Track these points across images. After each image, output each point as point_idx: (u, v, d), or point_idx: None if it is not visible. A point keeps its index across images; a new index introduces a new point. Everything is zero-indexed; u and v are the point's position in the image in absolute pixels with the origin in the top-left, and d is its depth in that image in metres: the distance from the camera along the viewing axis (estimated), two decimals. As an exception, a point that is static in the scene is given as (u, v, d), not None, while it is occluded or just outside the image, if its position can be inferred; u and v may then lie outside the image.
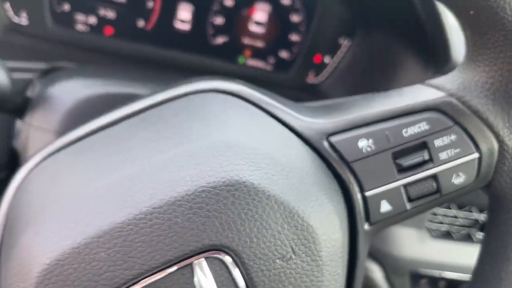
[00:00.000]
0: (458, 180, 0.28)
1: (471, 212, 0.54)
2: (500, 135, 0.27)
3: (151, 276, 0.23)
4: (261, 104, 0.29)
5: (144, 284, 0.23)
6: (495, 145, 0.28)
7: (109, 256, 0.22)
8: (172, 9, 0.57)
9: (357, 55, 0.62)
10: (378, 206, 0.28)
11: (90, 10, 0.56)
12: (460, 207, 0.54)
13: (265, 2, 0.58)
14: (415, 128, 0.28)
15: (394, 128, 0.28)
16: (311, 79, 0.65)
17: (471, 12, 0.25)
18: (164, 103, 0.29)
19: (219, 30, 0.59)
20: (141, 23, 0.57)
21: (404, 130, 0.28)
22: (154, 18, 0.57)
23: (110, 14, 0.56)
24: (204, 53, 0.61)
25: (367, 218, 0.29)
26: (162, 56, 0.60)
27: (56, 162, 0.27)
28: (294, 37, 0.61)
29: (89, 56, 0.57)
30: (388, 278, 0.55)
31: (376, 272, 0.54)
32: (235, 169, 0.24)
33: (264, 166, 0.25)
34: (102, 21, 0.57)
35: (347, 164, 0.28)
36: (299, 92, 0.65)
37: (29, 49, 0.55)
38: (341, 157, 0.28)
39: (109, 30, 0.57)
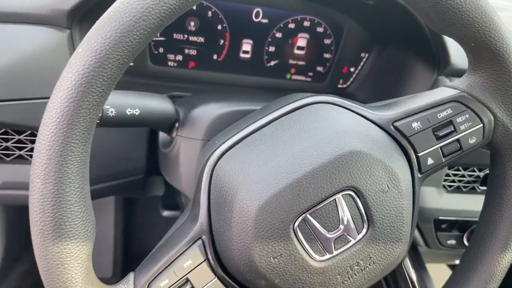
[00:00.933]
0: (472, 141, 0.48)
1: (474, 171, 0.73)
2: (494, 112, 0.47)
3: (316, 206, 0.41)
4: (351, 108, 0.48)
5: (312, 211, 0.41)
6: (492, 118, 0.47)
7: (293, 197, 0.41)
8: (237, 45, 0.76)
9: (374, 65, 0.82)
10: (426, 161, 0.48)
11: (178, 50, 0.74)
12: (465, 169, 0.74)
13: (305, 32, 0.77)
14: (444, 113, 0.47)
15: (432, 114, 0.47)
16: (340, 85, 0.84)
17: (472, 44, 0.44)
18: (294, 111, 0.47)
19: (271, 56, 0.78)
20: (215, 56, 0.76)
21: (438, 115, 0.47)
22: (224, 52, 0.76)
23: (192, 52, 0.75)
24: (261, 74, 0.80)
25: (419, 169, 0.48)
26: (230, 79, 0.79)
27: (239, 150, 0.45)
28: (327, 55, 0.81)
29: (176, 84, 0.76)
30: (417, 225, 0.74)
31: (410, 222, 0.74)
32: (354, 144, 0.43)
33: (367, 141, 0.44)
34: (187, 57, 0.75)
35: (406, 138, 0.47)
36: (331, 96, 0.85)
37: (133, 84, 0.73)
38: (402, 134, 0.47)
39: (191, 64, 0.76)
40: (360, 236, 0.43)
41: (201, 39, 0.74)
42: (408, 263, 0.53)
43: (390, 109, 0.48)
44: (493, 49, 0.44)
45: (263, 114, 0.49)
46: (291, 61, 0.80)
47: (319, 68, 0.82)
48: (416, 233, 0.76)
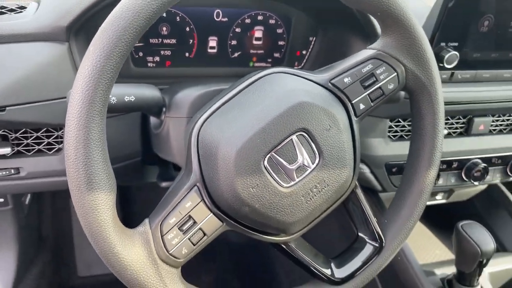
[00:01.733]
0: (391, 86, 0.63)
1: (411, 120, 0.89)
2: (403, 63, 0.62)
3: (278, 146, 0.56)
4: (297, 74, 0.62)
5: (276, 150, 0.55)
6: (403, 68, 0.62)
7: (261, 141, 0.55)
8: (205, 42, 0.90)
9: (322, 46, 0.97)
10: (359, 106, 0.62)
11: (155, 52, 0.88)
12: (404, 119, 0.89)
13: (260, 25, 0.92)
14: (367, 68, 0.62)
15: (358, 70, 0.62)
16: (296, 66, 0.99)
17: (379, 14, 0.60)
18: (254, 82, 0.61)
19: (234, 48, 0.93)
20: (187, 54, 0.90)
21: (362, 70, 0.62)
22: (194, 49, 0.90)
23: (167, 52, 0.89)
24: (227, 65, 0.94)
25: (355, 114, 0.63)
26: (202, 72, 0.93)
27: (216, 117, 0.58)
28: (281, 43, 0.95)
29: (157, 81, 0.89)
30: (372, 171, 0.89)
31: (365, 169, 0.89)
32: (301, 98, 0.57)
33: (311, 95, 0.58)
34: (163, 57, 0.89)
35: (341, 90, 0.62)
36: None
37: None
38: (338, 88, 0.61)
39: (168, 63, 0.90)
40: (314, 165, 0.58)
41: (173, 41, 0.88)
42: (361, 195, 0.68)
43: (328, 71, 0.63)
44: (394, 15, 0.59)
45: (232, 88, 0.63)
46: (251, 51, 0.94)
47: (276, 54, 0.97)
48: (373, 179, 0.91)
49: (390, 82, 0.63)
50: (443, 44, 0.81)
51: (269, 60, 0.97)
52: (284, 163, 0.57)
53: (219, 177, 0.56)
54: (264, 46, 0.95)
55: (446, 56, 0.80)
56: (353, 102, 0.62)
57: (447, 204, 1.14)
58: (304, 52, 0.98)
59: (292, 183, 0.57)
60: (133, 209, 1.37)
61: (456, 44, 0.81)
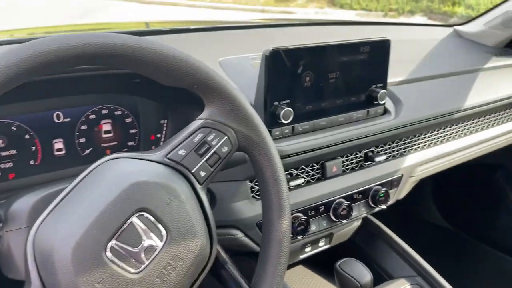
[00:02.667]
0: (225, 149, 0.66)
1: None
2: (231, 126, 0.66)
3: (117, 233, 0.54)
4: (132, 156, 0.62)
5: (116, 237, 0.54)
6: (232, 130, 0.66)
7: (97, 232, 0.53)
8: (49, 146, 0.87)
9: (174, 125, 1.00)
10: (199, 174, 0.64)
11: (-6, 167, 0.82)
12: (263, 178, 0.93)
13: (106, 118, 0.92)
14: (198, 137, 0.64)
15: (190, 140, 0.64)
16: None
17: (195, 87, 0.64)
18: (90, 172, 0.60)
19: (84, 146, 0.91)
20: (31, 162, 0.86)
21: (194, 140, 0.64)
22: (39, 156, 0.86)
23: (8, 165, 0.84)
24: (80, 163, 0.91)
25: (198, 182, 0.64)
26: (52, 176, 0.88)
27: (52, 217, 0.55)
28: (132, 131, 0.96)
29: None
30: (246, 234, 0.90)
31: (238, 234, 0.89)
32: (133, 178, 0.57)
33: (145, 173, 0.58)
34: (5, 171, 0.83)
35: (178, 163, 0.63)
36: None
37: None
38: (175, 161, 0.63)
39: (11, 175, 0.84)
40: (163, 242, 0.57)
41: (13, 152, 0.84)
42: (226, 260, 0.68)
43: (163, 148, 0.65)
44: (209, 86, 0.64)
45: (68, 185, 0.61)
46: (103, 144, 0.93)
47: (131, 143, 0.97)
48: (249, 241, 0.92)
49: (224, 146, 0.66)
50: (276, 103, 0.88)
51: (125, 149, 0.96)
52: (129, 248, 0.55)
53: (59, 282, 0.52)
54: (116, 137, 0.95)
55: (281, 113, 0.87)
56: (192, 171, 0.64)
57: (333, 248, 1.18)
58: (158, 135, 1.00)
59: (143, 266, 0.55)
60: None
61: (288, 101, 0.89)
